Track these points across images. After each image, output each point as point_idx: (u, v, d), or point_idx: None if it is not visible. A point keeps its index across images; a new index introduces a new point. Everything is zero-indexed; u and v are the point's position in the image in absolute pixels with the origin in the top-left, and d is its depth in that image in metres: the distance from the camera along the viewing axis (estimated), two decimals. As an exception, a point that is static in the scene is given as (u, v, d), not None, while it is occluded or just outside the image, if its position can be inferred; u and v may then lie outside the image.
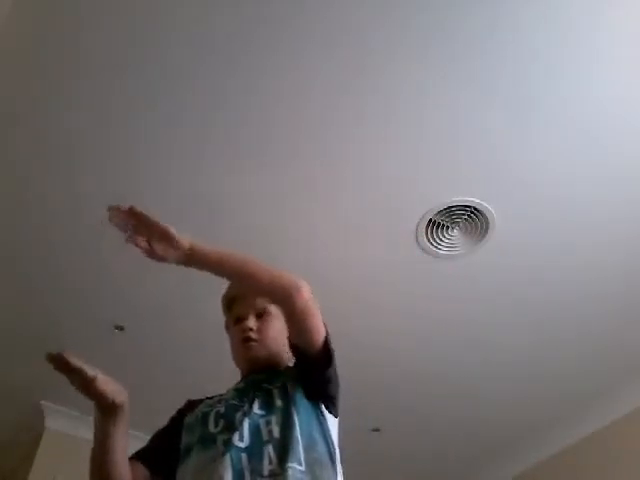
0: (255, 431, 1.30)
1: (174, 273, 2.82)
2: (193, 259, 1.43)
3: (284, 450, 1.25)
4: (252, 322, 1.51)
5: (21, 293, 2.98)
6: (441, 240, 2.65)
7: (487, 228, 2.60)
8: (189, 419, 1.47)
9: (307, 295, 1.35)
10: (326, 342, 1.38)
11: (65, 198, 2.58)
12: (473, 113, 2.26)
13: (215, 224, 2.65)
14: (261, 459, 1.24)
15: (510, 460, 3.76)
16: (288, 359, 1.51)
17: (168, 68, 2.17)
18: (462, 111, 2.26)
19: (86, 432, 3.47)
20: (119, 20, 2.06)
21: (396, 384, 3.34)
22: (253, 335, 1.50)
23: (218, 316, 2.67)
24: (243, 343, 1.50)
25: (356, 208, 2.59)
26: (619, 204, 2.50)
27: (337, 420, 1.44)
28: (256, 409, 1.35)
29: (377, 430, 3.66)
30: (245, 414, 1.33)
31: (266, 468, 1.23)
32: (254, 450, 1.26)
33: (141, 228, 1.37)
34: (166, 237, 1.36)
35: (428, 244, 2.67)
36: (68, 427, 3.49)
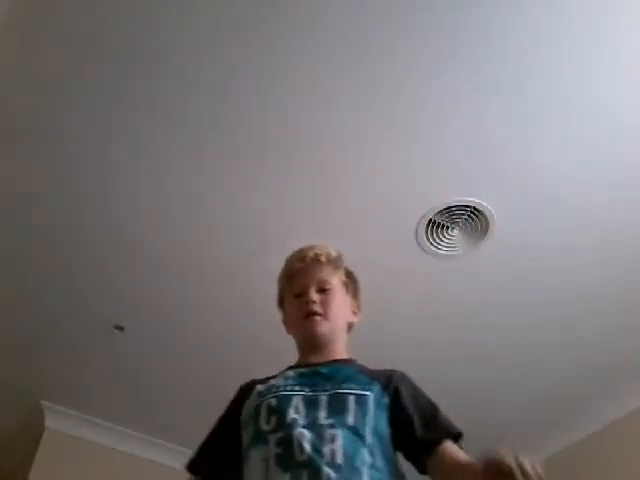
0: (315, 444, 1.16)
1: (174, 273, 2.84)
2: None
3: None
4: (315, 295, 1.45)
5: (21, 293, 2.98)
6: (441, 240, 2.65)
7: (487, 228, 2.60)
8: (244, 415, 1.33)
9: None
10: None
11: (65, 198, 2.58)
12: (473, 113, 2.26)
13: (213, 225, 2.66)
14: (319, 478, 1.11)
15: (510, 460, 3.76)
16: (346, 338, 1.49)
17: (169, 68, 2.17)
18: (462, 111, 2.26)
19: (86, 432, 3.50)
20: (118, 20, 2.06)
21: (396, 384, 3.34)
22: (317, 308, 1.44)
23: (218, 316, 2.69)
24: (306, 317, 1.44)
25: (356, 208, 2.59)
26: (619, 204, 2.50)
27: None
28: (321, 417, 1.22)
29: (377, 430, 3.65)
30: (306, 417, 1.21)
31: None
32: (312, 466, 1.13)
33: None
34: None
35: (428, 244, 2.66)
36: (68, 427, 3.48)
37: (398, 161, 2.42)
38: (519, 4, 1.98)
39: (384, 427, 1.27)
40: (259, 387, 1.37)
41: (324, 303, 1.45)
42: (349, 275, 1.57)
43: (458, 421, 1.36)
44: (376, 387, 1.32)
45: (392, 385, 1.35)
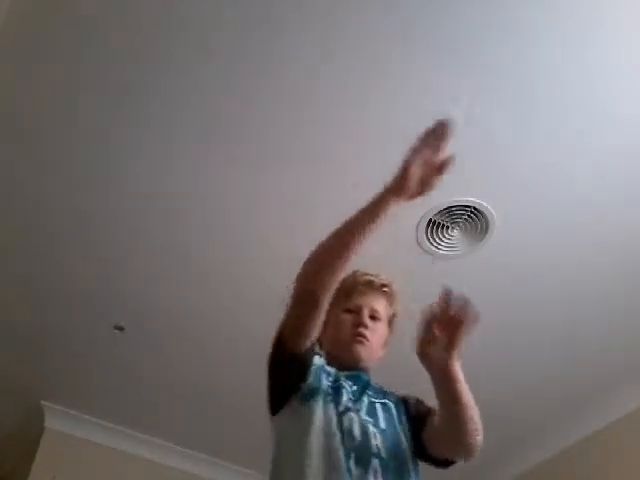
0: (364, 433, 1.34)
1: (175, 273, 2.84)
2: (447, 376, 1.46)
3: (396, 474, 1.31)
4: (368, 320, 1.55)
5: (21, 293, 2.98)
6: (441, 240, 2.65)
7: (487, 228, 2.60)
8: (315, 367, 1.44)
9: None
10: None
11: (65, 198, 2.58)
12: (473, 113, 2.25)
13: (213, 225, 2.66)
14: (368, 466, 1.29)
15: (510, 460, 3.76)
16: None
17: (168, 68, 2.17)
18: (462, 111, 2.25)
19: (86, 432, 3.50)
20: (118, 21, 2.06)
21: (396, 384, 3.34)
22: (367, 333, 1.53)
23: (218, 316, 2.69)
24: (355, 337, 1.53)
25: (356, 208, 2.58)
26: (619, 205, 2.50)
27: None
28: (364, 414, 1.40)
29: (377, 430, 3.65)
30: (358, 411, 1.39)
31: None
32: (362, 450, 1.30)
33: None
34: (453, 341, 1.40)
35: (428, 244, 2.66)
36: (68, 427, 3.48)
37: (398, 161, 2.42)
38: (520, 3, 1.98)
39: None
40: (325, 381, 1.44)
41: (372, 330, 1.56)
42: (396, 314, 1.68)
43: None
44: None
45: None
